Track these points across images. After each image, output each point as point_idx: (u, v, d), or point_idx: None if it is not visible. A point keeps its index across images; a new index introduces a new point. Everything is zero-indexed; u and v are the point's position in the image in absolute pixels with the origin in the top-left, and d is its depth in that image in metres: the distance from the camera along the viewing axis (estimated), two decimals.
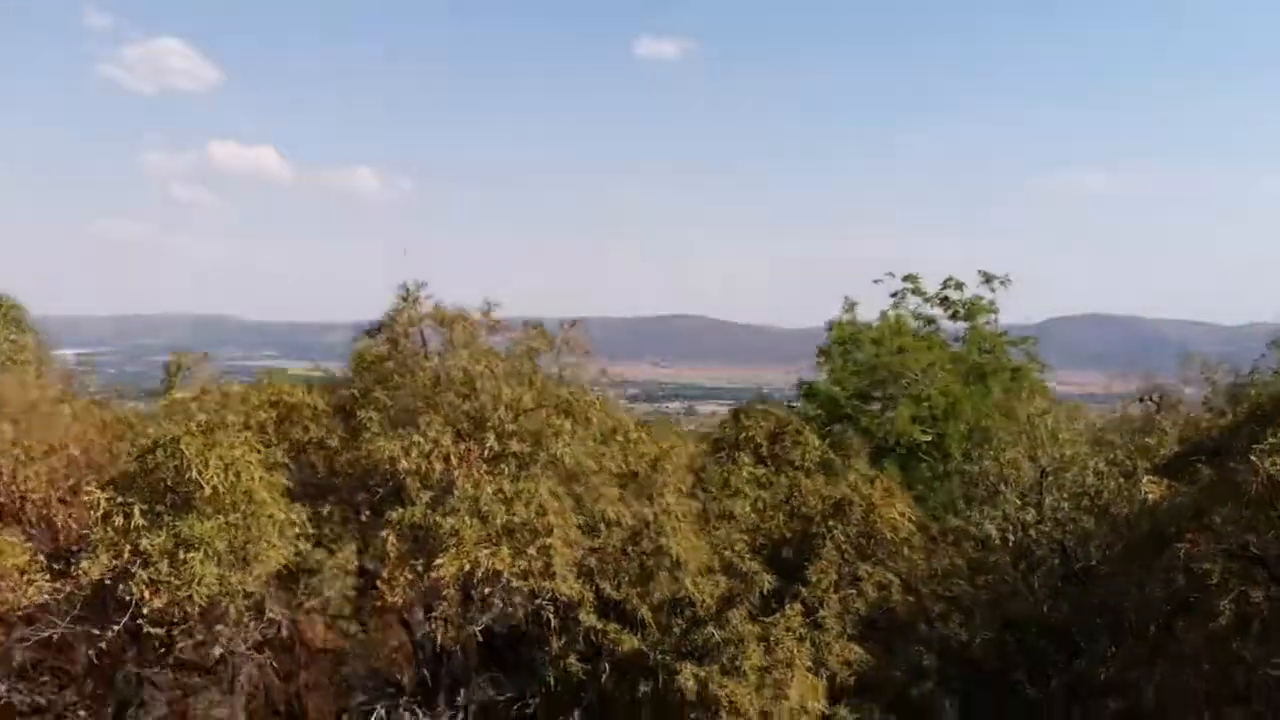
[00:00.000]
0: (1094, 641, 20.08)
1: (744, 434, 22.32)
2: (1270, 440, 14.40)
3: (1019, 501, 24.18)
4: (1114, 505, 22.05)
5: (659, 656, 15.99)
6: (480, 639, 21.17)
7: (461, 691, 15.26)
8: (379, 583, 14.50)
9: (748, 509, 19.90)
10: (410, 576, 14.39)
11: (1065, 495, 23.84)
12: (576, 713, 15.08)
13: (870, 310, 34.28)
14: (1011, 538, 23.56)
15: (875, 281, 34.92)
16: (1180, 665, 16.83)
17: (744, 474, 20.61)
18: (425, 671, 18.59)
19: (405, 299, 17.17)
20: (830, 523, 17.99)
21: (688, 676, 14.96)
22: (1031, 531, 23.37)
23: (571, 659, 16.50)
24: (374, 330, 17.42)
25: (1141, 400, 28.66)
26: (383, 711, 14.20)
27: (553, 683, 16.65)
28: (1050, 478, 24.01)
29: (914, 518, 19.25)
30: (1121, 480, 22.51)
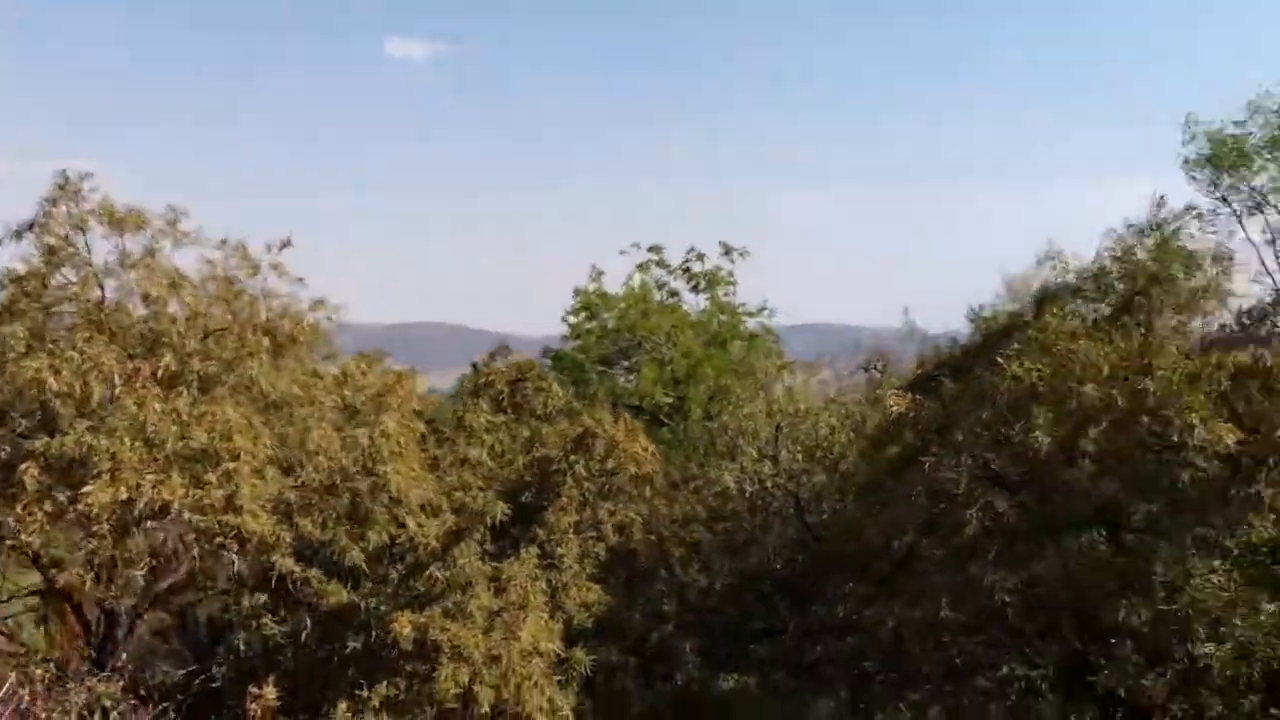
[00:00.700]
0: (829, 586, 19.75)
1: (482, 380, 20.62)
2: (1014, 348, 14.25)
3: (756, 454, 23.98)
4: (844, 460, 22.00)
5: (372, 606, 13.89)
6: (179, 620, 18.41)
7: (123, 658, 12.59)
8: (12, 520, 11.68)
9: (484, 455, 18.20)
10: (51, 510, 11.65)
11: (799, 449, 23.87)
12: (271, 679, 12.74)
13: (616, 283, 33.60)
14: (749, 489, 23.24)
15: (621, 253, 34.24)
16: (918, 596, 16.58)
17: (482, 420, 18.88)
18: (92, 649, 15.62)
19: (63, 189, 14.15)
20: (572, 458, 16.48)
21: (404, 625, 12.96)
22: (768, 483, 23.13)
23: (266, 619, 14.11)
24: (22, 230, 14.27)
25: (866, 369, 29.25)
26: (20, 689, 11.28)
27: (243, 647, 14.19)
28: (785, 431, 23.92)
29: (656, 454, 18.14)
30: (852, 435, 22.54)
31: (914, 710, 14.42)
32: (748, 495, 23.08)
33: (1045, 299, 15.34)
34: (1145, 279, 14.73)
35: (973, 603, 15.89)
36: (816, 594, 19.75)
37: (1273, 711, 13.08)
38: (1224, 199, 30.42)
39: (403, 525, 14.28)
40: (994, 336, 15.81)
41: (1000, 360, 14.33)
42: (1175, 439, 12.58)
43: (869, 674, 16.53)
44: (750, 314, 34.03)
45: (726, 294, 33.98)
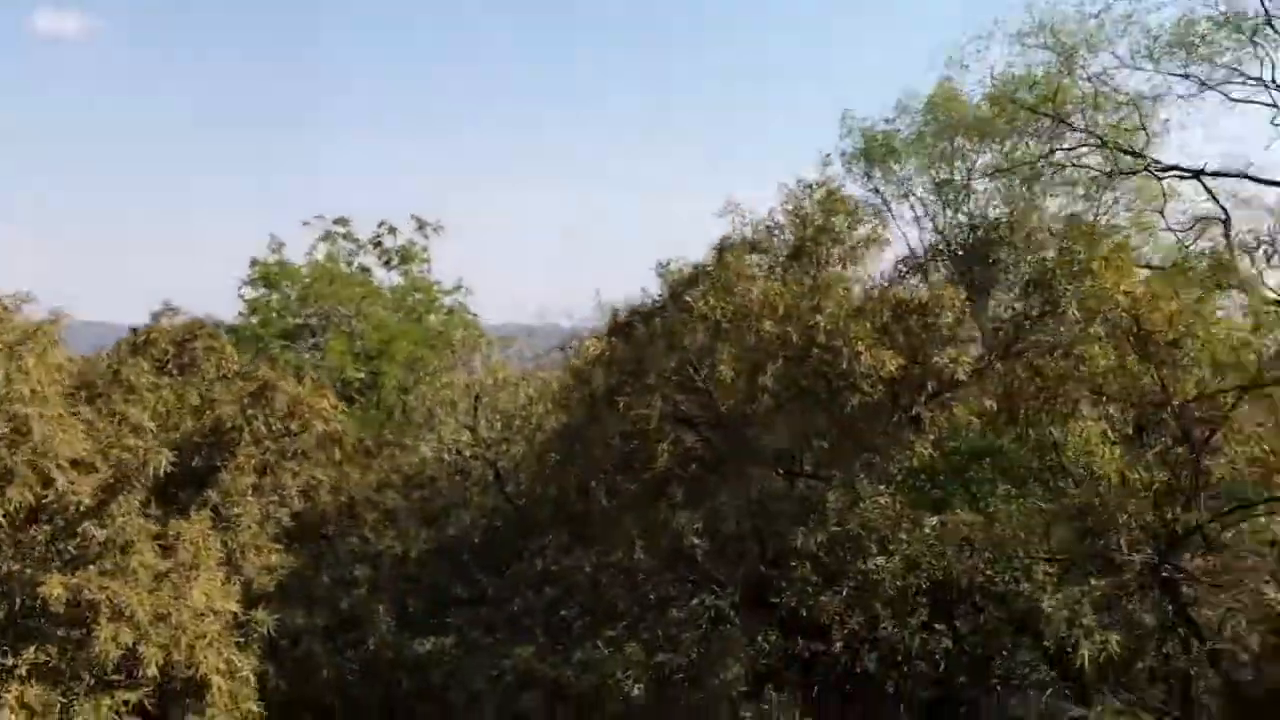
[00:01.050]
0: (529, 544, 19.78)
1: (143, 339, 18.80)
2: (700, 290, 14.80)
3: (454, 424, 23.74)
4: (541, 431, 22.13)
5: (16, 571, 12.25)
6: None
7: None
8: None
9: (145, 419, 16.56)
10: None
11: (498, 418, 23.86)
12: None
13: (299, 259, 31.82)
14: (447, 458, 22.91)
15: (304, 224, 32.48)
16: (613, 542, 16.86)
17: (144, 379, 17.18)
18: None
19: None
20: (250, 413, 15.38)
21: (55, 586, 11.51)
22: (467, 453, 22.89)
23: None
24: None
25: (563, 349, 29.68)
26: None
27: None
28: (483, 401, 23.87)
29: (345, 411, 17.36)
30: (549, 405, 22.74)
31: (611, 645, 14.58)
32: (446, 464, 22.75)
33: (725, 248, 16.02)
34: (814, 229, 15.74)
35: (664, 546, 16.36)
36: (515, 558, 19.70)
37: (937, 627, 14.26)
38: (876, 190, 33.42)
39: (50, 481, 12.68)
40: (680, 284, 16.32)
41: (688, 299, 14.87)
42: (844, 367, 13.48)
43: (567, 620, 16.63)
44: (446, 291, 33.46)
45: (421, 270, 33.24)
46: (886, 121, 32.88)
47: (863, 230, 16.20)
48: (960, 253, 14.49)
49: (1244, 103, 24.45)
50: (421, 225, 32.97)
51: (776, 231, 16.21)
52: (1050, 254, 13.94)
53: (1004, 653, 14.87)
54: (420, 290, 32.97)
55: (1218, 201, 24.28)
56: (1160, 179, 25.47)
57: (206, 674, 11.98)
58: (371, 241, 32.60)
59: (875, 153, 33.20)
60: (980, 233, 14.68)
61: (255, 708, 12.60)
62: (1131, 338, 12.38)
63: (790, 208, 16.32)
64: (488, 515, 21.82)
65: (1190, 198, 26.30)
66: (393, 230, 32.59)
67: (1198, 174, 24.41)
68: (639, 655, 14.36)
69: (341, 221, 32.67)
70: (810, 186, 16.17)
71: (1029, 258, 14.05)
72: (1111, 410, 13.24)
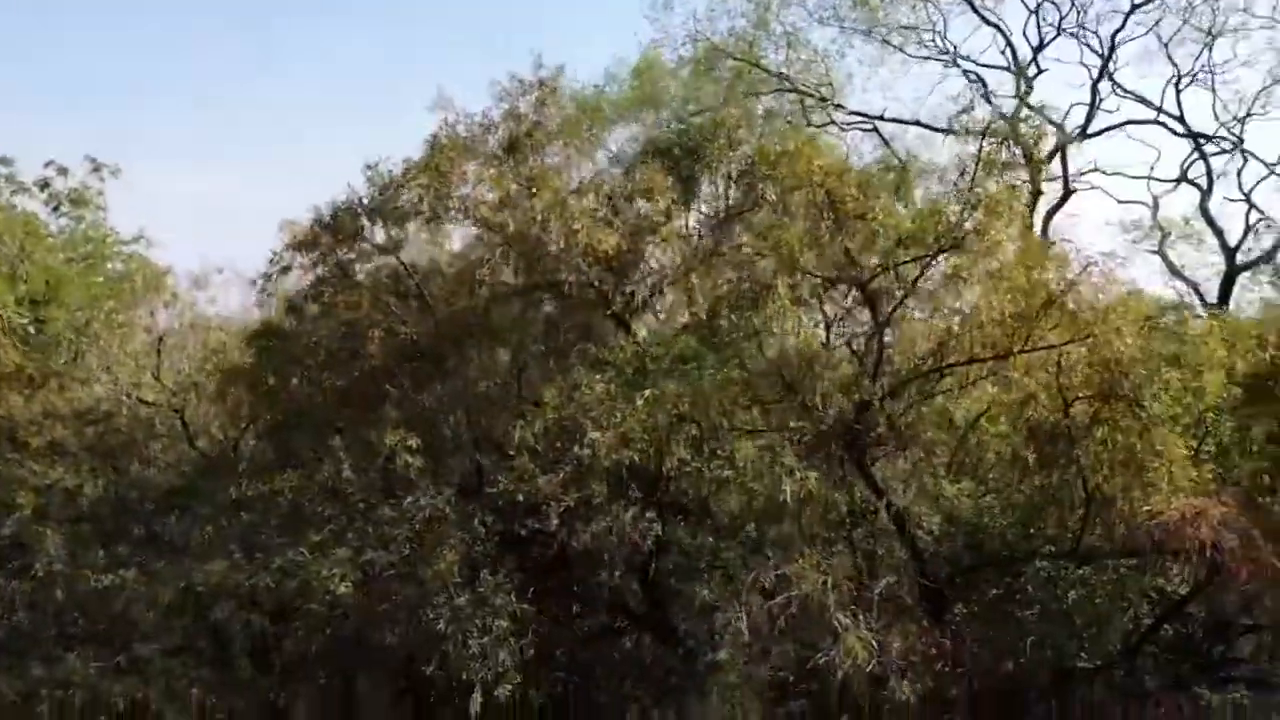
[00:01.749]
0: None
1: None
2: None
3: (135, 366, 22.16)
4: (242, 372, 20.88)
5: None
6: None
7: None
8: None
9: None
10: None
11: (188, 362, 22.53)
12: None
13: None
14: (126, 400, 21.20)
15: None
16: (315, 466, 16.00)
17: None
18: None
19: None
20: None
21: None
22: (150, 397, 21.29)
23: None
24: None
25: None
26: None
27: None
28: (169, 343, 22.44)
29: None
30: (244, 345, 21.64)
31: (316, 550, 13.71)
32: (125, 404, 21.05)
33: (437, 144, 15.62)
34: (529, 125, 15.67)
35: (376, 464, 15.66)
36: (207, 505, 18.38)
37: (648, 515, 14.31)
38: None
39: None
40: (390, 184, 15.77)
41: (400, 193, 14.40)
42: (561, 246, 13.45)
43: (265, 540, 15.56)
44: (125, 241, 30.58)
45: (97, 218, 30.16)
46: (596, 88, 33.54)
47: (576, 131, 16.31)
48: (669, 152, 14.92)
49: (922, 60, 26.95)
50: (97, 167, 29.80)
51: (491, 130, 15.95)
52: (750, 146, 14.53)
53: (712, 539, 15.30)
54: (92, 240, 29.98)
55: (895, 153, 26.52)
56: (845, 130, 27.58)
57: None
58: (37, 184, 29.24)
59: (589, 118, 33.67)
60: (687, 136, 15.19)
61: None
62: (823, 210, 13.06)
63: (505, 106, 16.14)
64: (176, 463, 20.43)
65: (870, 153, 28.62)
66: (63, 171, 29.32)
67: (877, 120, 26.66)
68: (346, 556, 13.63)
69: (3, 161, 29.16)
70: (522, 83, 16.03)
71: (731, 153, 14.58)
72: (805, 291, 13.77)
